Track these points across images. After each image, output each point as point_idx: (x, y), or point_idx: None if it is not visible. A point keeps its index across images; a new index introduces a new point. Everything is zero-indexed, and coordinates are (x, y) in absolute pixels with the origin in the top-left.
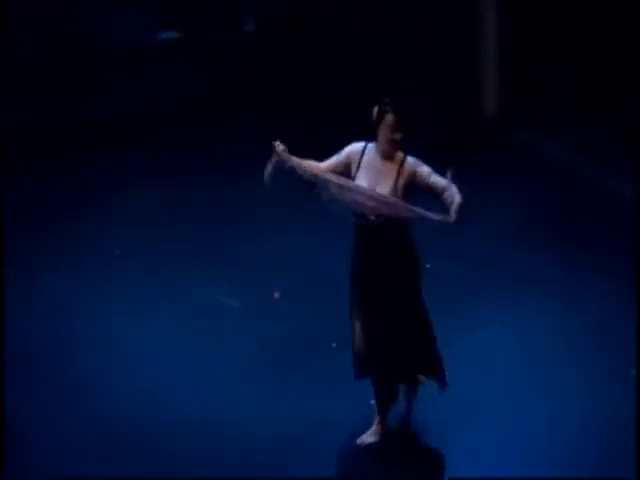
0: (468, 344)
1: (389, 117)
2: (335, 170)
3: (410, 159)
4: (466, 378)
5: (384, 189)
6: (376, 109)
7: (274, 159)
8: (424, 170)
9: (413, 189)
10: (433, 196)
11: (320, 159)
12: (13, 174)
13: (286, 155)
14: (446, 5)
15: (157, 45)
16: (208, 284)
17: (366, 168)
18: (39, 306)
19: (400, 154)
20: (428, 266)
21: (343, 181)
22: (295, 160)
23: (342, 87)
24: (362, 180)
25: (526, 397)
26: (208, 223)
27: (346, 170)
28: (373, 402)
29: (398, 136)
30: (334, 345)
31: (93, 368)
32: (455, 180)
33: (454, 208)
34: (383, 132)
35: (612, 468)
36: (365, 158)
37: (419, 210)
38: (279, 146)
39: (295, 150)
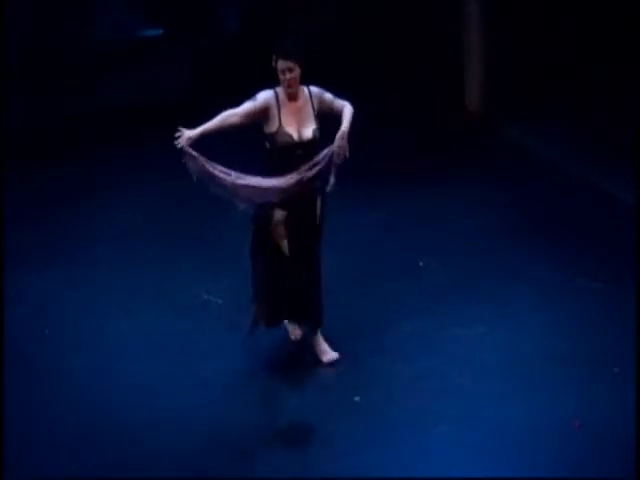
0: (460, 341)
1: (280, 63)
2: (253, 116)
3: (314, 89)
4: (460, 376)
5: (312, 126)
6: (274, 58)
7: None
8: (328, 97)
9: (322, 114)
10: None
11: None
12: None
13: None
14: (435, 4)
15: (153, 45)
16: (194, 282)
17: (287, 114)
18: (30, 304)
19: (304, 89)
20: (421, 264)
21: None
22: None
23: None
24: (289, 125)
25: (526, 396)
26: (198, 221)
27: (264, 115)
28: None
29: (291, 77)
30: None
31: (85, 366)
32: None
33: (346, 116)
34: (280, 77)
35: (612, 468)
36: (281, 104)
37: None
38: (185, 138)
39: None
